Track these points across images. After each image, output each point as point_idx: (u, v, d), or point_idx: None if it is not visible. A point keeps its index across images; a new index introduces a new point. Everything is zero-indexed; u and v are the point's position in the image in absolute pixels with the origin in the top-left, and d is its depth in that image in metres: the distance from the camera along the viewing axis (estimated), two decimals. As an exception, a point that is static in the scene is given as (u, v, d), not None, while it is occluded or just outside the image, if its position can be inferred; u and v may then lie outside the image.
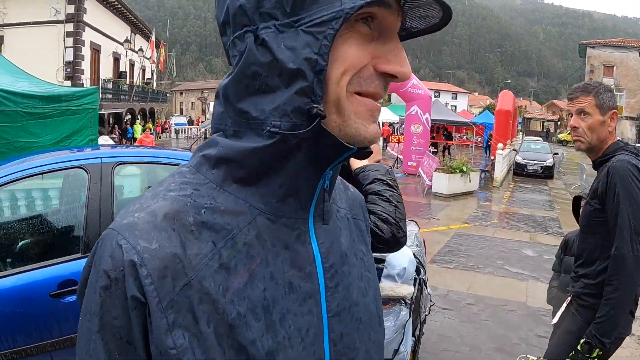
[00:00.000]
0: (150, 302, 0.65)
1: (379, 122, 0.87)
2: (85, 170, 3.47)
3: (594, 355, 2.35)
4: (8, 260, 3.35)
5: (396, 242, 2.00)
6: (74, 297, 3.17)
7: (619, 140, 2.56)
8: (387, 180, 2.09)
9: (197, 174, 0.77)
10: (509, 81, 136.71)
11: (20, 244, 3.46)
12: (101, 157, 3.58)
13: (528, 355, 2.96)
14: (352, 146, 0.73)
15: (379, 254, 3.43)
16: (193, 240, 0.70)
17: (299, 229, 0.79)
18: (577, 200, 3.36)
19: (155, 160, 4.05)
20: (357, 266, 0.90)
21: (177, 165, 3.95)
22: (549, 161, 22.94)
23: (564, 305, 2.83)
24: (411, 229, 3.92)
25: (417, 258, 3.47)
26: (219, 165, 0.76)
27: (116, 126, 30.03)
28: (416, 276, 3.40)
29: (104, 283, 0.66)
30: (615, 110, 2.49)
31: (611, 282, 2.31)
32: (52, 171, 3.48)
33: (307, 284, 0.78)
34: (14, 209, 3.95)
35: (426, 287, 3.75)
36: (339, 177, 0.93)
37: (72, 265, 3.25)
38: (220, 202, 0.74)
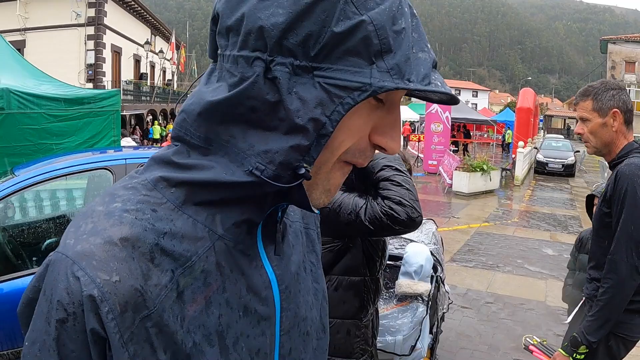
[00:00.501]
0: (111, 337, 0.61)
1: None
2: (111, 172, 3.57)
3: (580, 350, 2.38)
4: (34, 258, 3.46)
5: (412, 222, 2.07)
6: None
7: (634, 141, 2.50)
8: (396, 166, 2.15)
9: (154, 191, 0.70)
10: (530, 78, 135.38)
11: (46, 242, 3.57)
12: (126, 159, 3.68)
13: (534, 336, 2.98)
14: (300, 203, 0.72)
15: (397, 252, 3.49)
16: (153, 269, 0.65)
17: (251, 254, 0.76)
18: (590, 198, 3.36)
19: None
20: (307, 280, 0.90)
21: None
22: (571, 159, 22.70)
23: (579, 305, 2.85)
24: (429, 227, 3.96)
25: (435, 256, 3.52)
26: (179, 186, 0.70)
27: (137, 127, 30.36)
28: (433, 274, 3.44)
29: (60, 316, 0.61)
30: (616, 110, 2.41)
31: (603, 285, 2.33)
32: (79, 172, 3.59)
33: (264, 308, 0.77)
34: (41, 209, 4.07)
35: (443, 285, 3.79)
36: None
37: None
38: (179, 227, 0.69)
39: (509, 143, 33.93)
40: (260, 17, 0.63)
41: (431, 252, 3.46)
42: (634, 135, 2.57)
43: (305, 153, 0.64)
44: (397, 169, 2.16)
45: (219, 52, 0.71)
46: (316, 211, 0.75)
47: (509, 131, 33.82)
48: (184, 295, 0.67)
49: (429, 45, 0.69)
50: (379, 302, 3.24)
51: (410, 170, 2.47)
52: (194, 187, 0.70)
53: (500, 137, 35.09)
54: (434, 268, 3.46)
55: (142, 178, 0.72)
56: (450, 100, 0.71)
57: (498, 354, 4.98)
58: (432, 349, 3.88)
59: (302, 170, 0.65)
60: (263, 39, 0.63)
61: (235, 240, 0.73)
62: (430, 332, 3.59)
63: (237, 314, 0.73)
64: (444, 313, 4.10)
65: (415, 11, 0.70)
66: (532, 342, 2.91)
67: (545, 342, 2.91)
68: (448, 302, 4.18)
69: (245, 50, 0.65)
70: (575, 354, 2.41)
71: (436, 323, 3.70)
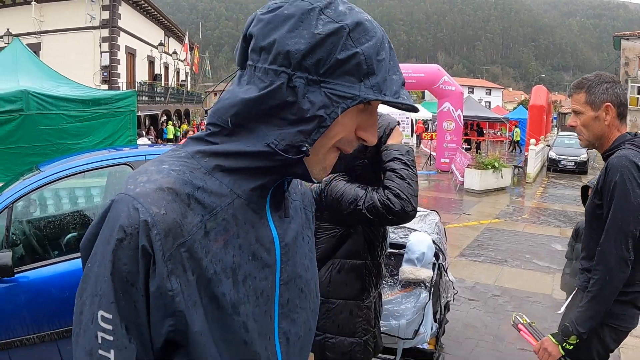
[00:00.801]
0: (156, 254, 0.85)
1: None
2: (131, 167, 3.77)
3: (570, 340, 2.39)
4: (56, 251, 3.67)
5: (405, 214, 2.24)
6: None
7: (627, 132, 2.50)
8: (405, 160, 2.32)
9: (192, 160, 0.97)
10: (544, 75, 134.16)
11: (70, 234, 3.78)
12: (145, 155, 3.88)
13: (524, 316, 3.01)
14: (303, 177, 1.00)
15: (401, 241, 3.67)
16: (189, 211, 0.91)
17: (261, 213, 1.02)
18: (585, 190, 3.39)
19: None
20: (303, 247, 1.15)
21: None
22: (583, 156, 22.62)
23: (572, 294, 2.87)
24: (432, 218, 4.12)
25: (437, 245, 3.68)
26: (211, 156, 0.98)
27: (152, 127, 30.72)
28: (435, 261, 3.61)
29: (120, 236, 0.85)
30: (609, 104, 2.42)
31: (593, 276, 2.35)
32: (101, 168, 3.80)
33: (267, 256, 1.02)
34: (65, 203, 4.29)
35: (447, 273, 3.95)
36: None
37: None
38: (209, 185, 0.95)
39: (517, 141, 33.90)
40: (287, 43, 0.90)
41: (433, 240, 3.63)
42: None
43: (308, 136, 0.93)
44: (405, 163, 2.33)
45: (249, 63, 0.97)
46: (316, 182, 1.03)
47: (516, 129, 33.76)
48: (209, 235, 0.93)
49: (400, 70, 0.99)
50: (384, 288, 3.42)
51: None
52: (221, 156, 0.97)
53: (510, 134, 35.04)
54: (436, 256, 3.62)
55: (183, 151, 1.01)
56: (411, 109, 1.01)
57: (503, 344, 5.12)
58: (437, 337, 4.02)
59: (305, 148, 0.93)
60: (288, 59, 0.91)
61: (249, 200, 1.00)
62: (435, 320, 3.74)
63: (247, 257, 0.98)
64: (448, 302, 4.24)
65: (391, 45, 1.00)
66: (521, 321, 2.90)
67: (534, 324, 2.91)
68: (453, 292, 4.32)
69: (274, 65, 0.92)
70: (565, 343, 2.41)
71: (439, 310, 3.85)
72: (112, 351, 0.87)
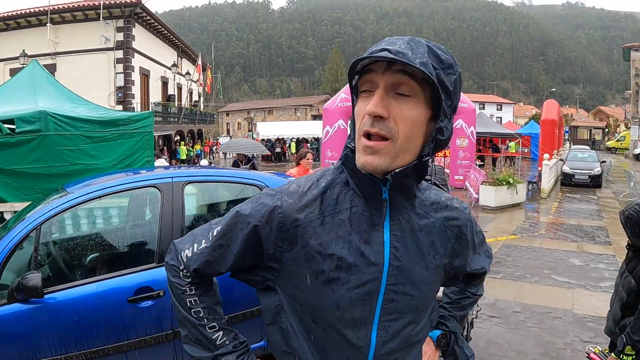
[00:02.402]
0: (277, 226, 1.33)
1: None
2: (159, 189, 3.83)
3: (627, 352, 2.41)
4: (90, 269, 3.71)
5: None
6: (149, 302, 3.51)
7: None
8: (440, 184, 2.38)
9: (336, 170, 1.38)
10: (554, 89, 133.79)
11: (98, 255, 3.82)
12: (172, 177, 3.93)
13: (597, 346, 3.06)
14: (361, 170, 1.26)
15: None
16: (312, 205, 1.34)
17: (375, 222, 1.31)
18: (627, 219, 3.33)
19: (220, 179, 4.40)
20: (427, 260, 1.37)
21: (239, 183, 4.29)
22: (597, 170, 22.49)
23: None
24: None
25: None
26: (344, 172, 1.36)
27: (165, 148, 30.94)
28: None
29: (263, 210, 1.36)
30: None
31: None
32: (129, 190, 3.85)
33: (375, 256, 1.29)
34: (93, 224, 4.34)
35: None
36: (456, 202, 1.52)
37: (147, 274, 3.57)
38: (336, 193, 1.34)
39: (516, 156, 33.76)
40: None
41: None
42: None
43: (350, 136, 1.33)
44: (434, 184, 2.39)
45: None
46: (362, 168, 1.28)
47: (511, 143, 33.56)
48: (324, 226, 1.31)
49: (390, 45, 1.20)
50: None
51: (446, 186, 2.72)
52: (347, 172, 1.35)
53: (527, 150, 34.81)
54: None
55: (338, 166, 1.40)
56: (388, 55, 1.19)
57: (526, 360, 5.09)
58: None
59: (349, 144, 1.32)
60: (351, 89, 1.35)
61: (363, 211, 1.31)
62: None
63: (355, 252, 1.29)
64: (472, 319, 4.23)
65: (392, 38, 1.27)
66: (593, 351, 2.97)
67: (606, 351, 2.96)
68: (477, 309, 4.31)
69: (351, 96, 1.37)
70: (622, 355, 2.43)
71: (466, 327, 3.84)
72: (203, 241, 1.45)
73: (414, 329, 1.39)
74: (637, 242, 2.90)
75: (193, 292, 1.47)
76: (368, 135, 1.21)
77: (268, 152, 33.39)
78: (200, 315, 1.47)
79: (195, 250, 1.45)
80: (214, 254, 1.43)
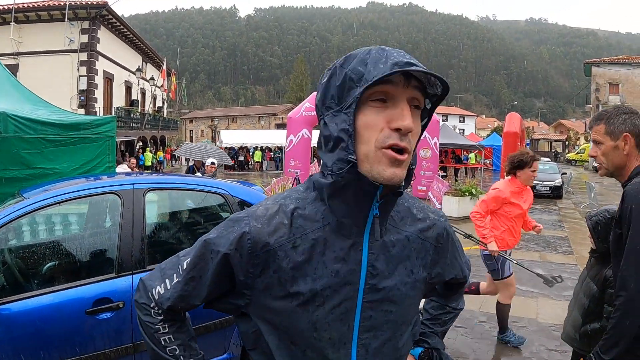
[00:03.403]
0: (245, 253, 1.27)
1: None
2: (119, 196, 3.69)
3: None
4: (46, 279, 3.53)
5: None
6: (108, 314, 3.36)
7: None
8: None
9: (307, 192, 1.34)
10: (516, 103, 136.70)
11: (55, 264, 3.64)
12: (133, 184, 3.80)
13: None
14: (377, 183, 1.18)
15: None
16: (282, 229, 1.28)
17: (353, 240, 1.27)
18: (595, 224, 3.22)
19: (182, 186, 4.27)
20: (403, 275, 1.34)
21: (202, 191, 4.18)
22: (558, 181, 22.95)
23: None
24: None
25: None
26: (315, 189, 1.32)
27: (127, 154, 30.40)
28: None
29: (239, 231, 1.30)
30: (627, 134, 2.45)
31: (614, 302, 2.31)
32: (89, 196, 3.70)
33: (350, 276, 1.26)
34: (50, 231, 4.16)
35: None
36: (427, 211, 1.49)
37: (106, 284, 3.43)
38: (307, 212, 1.29)
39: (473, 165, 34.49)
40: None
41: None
42: None
43: (347, 149, 1.18)
44: None
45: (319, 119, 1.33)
46: (379, 185, 1.21)
47: (470, 155, 34.05)
48: (295, 248, 1.26)
49: (393, 58, 1.17)
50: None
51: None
52: (319, 190, 1.30)
53: (489, 161, 35.40)
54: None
55: (305, 184, 1.37)
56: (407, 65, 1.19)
57: (492, 371, 5.08)
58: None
59: (348, 158, 1.17)
60: (319, 109, 1.29)
61: (339, 227, 1.27)
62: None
63: (329, 272, 1.25)
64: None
65: (385, 48, 1.23)
66: None
67: None
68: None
69: (319, 117, 1.30)
70: None
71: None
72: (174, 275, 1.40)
73: (396, 344, 1.36)
74: (602, 248, 2.94)
75: (167, 329, 1.44)
76: (397, 149, 1.17)
77: (230, 158, 33.08)
78: (177, 353, 1.44)
79: (168, 287, 1.41)
80: (186, 288, 1.38)
